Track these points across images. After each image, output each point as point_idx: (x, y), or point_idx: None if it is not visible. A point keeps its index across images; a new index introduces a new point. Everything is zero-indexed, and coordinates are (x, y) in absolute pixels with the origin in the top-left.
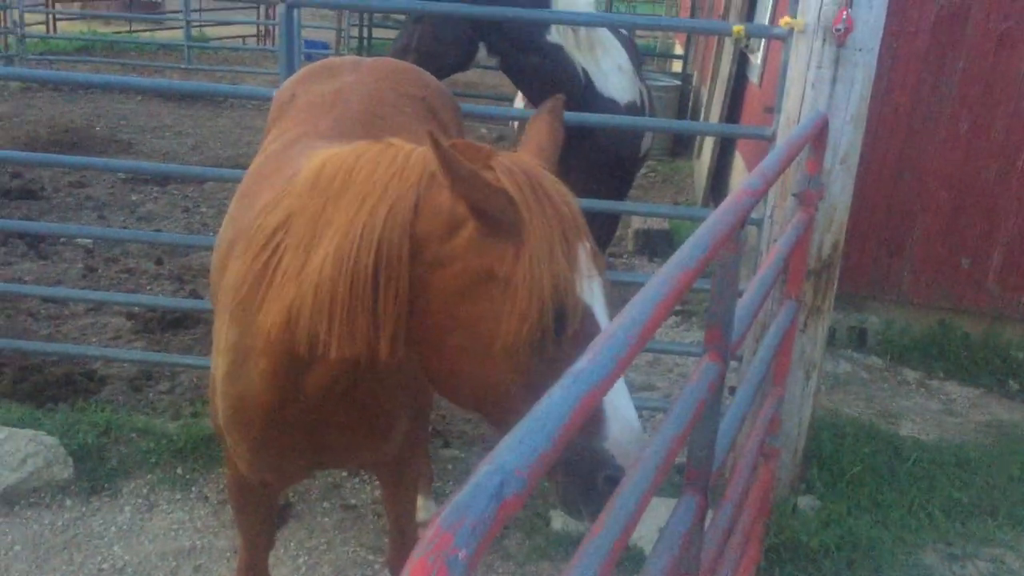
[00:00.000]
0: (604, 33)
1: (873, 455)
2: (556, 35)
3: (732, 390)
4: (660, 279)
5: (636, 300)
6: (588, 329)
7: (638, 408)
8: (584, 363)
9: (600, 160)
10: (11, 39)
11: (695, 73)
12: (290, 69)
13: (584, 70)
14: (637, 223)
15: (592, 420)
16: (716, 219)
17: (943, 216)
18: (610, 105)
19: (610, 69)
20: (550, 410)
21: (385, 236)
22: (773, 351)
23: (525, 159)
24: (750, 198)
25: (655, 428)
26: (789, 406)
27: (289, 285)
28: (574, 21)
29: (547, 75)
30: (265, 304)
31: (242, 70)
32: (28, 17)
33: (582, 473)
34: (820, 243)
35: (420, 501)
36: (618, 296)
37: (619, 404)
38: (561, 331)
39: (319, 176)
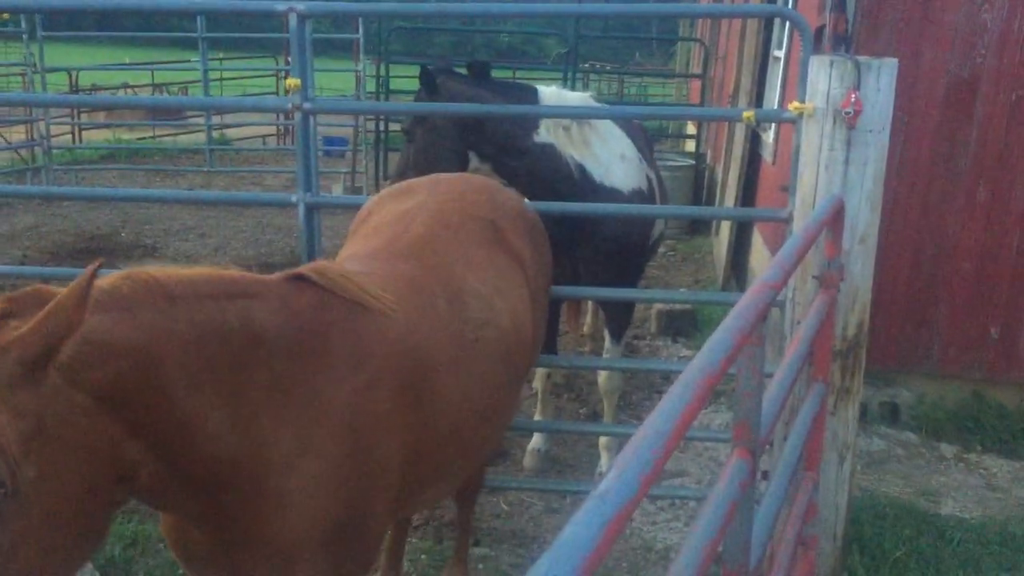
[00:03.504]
0: (603, 123)
1: (916, 537)
2: (545, 134)
3: (764, 474)
4: (683, 386)
5: (659, 410)
6: None
7: (670, 497)
8: (609, 483)
9: (607, 249)
10: (38, 151)
11: (709, 151)
12: (307, 171)
13: (579, 165)
14: (659, 304)
15: None
16: (737, 315)
17: (968, 287)
18: (612, 195)
19: (610, 159)
20: (575, 538)
21: None
22: (804, 436)
23: None
24: (770, 291)
25: (691, 518)
26: (825, 491)
27: None
28: (586, 115)
29: (537, 174)
30: None
31: (262, 170)
32: (54, 128)
33: None
34: (844, 324)
35: None
36: (645, 381)
37: None
38: None
39: None
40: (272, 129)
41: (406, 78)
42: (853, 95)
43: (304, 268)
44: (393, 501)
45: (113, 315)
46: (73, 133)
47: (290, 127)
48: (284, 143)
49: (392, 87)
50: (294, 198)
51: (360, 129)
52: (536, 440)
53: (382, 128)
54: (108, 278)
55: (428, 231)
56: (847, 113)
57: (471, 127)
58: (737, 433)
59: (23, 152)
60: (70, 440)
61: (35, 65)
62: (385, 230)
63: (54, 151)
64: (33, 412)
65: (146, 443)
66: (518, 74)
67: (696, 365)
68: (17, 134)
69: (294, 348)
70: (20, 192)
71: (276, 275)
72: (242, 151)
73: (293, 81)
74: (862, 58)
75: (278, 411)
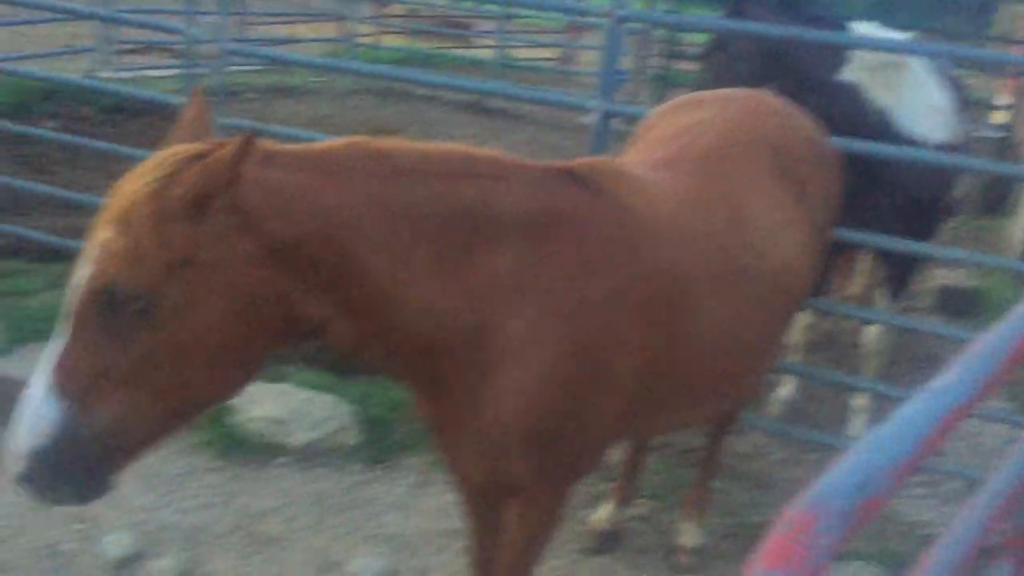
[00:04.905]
0: (915, 70)
1: None
2: (851, 73)
3: None
4: (1019, 316)
5: (1005, 323)
6: None
7: (930, 471)
8: (947, 380)
9: (903, 201)
10: (344, 47)
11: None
12: (609, 78)
13: (883, 109)
14: (939, 278)
15: None
16: None
17: None
18: (915, 145)
19: (918, 107)
20: (913, 420)
21: None
22: None
23: None
24: None
25: (947, 498)
26: None
27: None
28: (904, 50)
29: (835, 115)
30: None
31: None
32: (361, 28)
33: None
34: None
35: (690, 527)
36: (910, 353)
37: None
38: None
39: None
40: (555, 52)
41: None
42: None
43: (576, 162)
44: (620, 416)
45: (315, 176)
46: (376, 36)
47: (573, 52)
48: (566, 67)
49: None
50: (592, 103)
51: (641, 63)
52: (785, 389)
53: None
54: (334, 142)
55: (714, 148)
56: None
57: (773, 57)
58: None
59: (331, 47)
60: (227, 281)
61: None
62: (668, 142)
63: (358, 50)
64: (184, 246)
65: (333, 303)
66: None
67: None
68: (327, 30)
69: (539, 239)
70: (337, 67)
71: (543, 163)
72: (527, 69)
73: None
74: None
75: (511, 297)
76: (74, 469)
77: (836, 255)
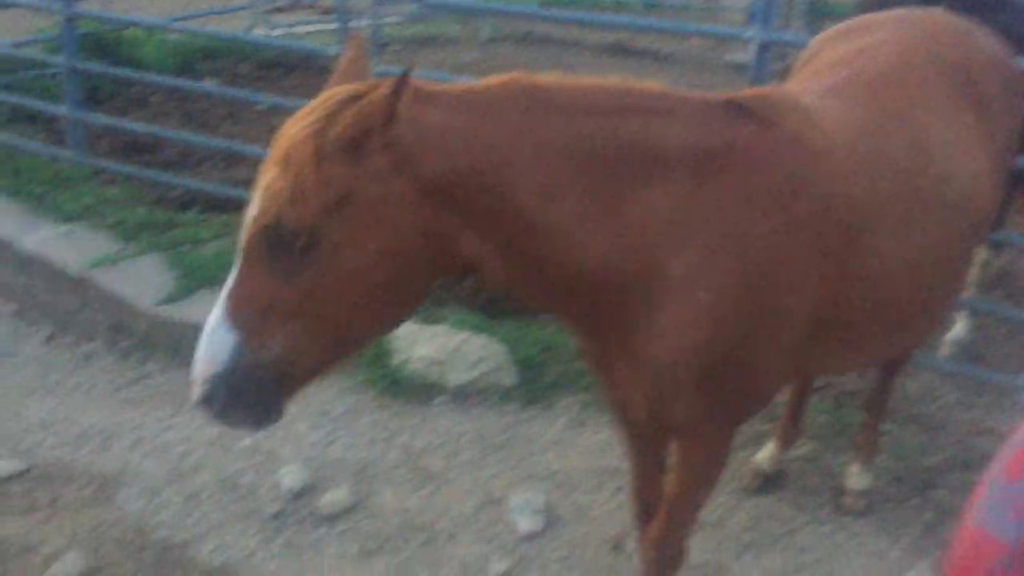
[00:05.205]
0: None
1: None
2: None
3: None
4: None
5: None
6: None
7: None
8: None
9: None
10: None
11: None
12: (766, 12)
13: None
14: None
15: None
16: None
17: None
18: None
19: None
20: None
21: None
22: None
23: None
24: None
25: None
26: None
27: None
28: None
29: (1012, 33)
30: None
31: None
32: None
33: None
34: None
35: (857, 469)
36: None
37: None
38: None
39: None
40: None
41: None
42: None
43: (746, 93)
44: (791, 355)
45: (470, 114)
46: None
47: None
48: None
49: None
50: (750, 33)
51: None
52: (958, 329)
53: None
54: (492, 79)
55: (888, 72)
56: None
57: None
58: None
59: None
60: (384, 219)
61: None
62: (838, 68)
63: None
64: (342, 185)
65: (488, 241)
66: None
67: None
68: None
69: (704, 174)
70: (486, 9)
71: (708, 95)
72: (669, 7)
73: None
74: None
75: (676, 235)
76: (247, 395)
77: (1016, 184)
